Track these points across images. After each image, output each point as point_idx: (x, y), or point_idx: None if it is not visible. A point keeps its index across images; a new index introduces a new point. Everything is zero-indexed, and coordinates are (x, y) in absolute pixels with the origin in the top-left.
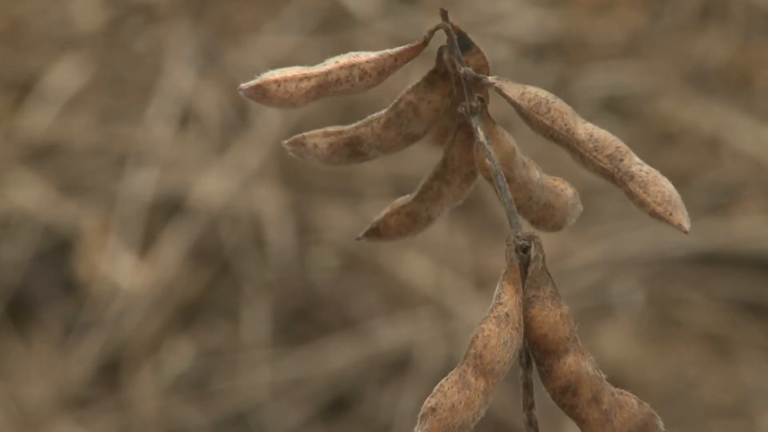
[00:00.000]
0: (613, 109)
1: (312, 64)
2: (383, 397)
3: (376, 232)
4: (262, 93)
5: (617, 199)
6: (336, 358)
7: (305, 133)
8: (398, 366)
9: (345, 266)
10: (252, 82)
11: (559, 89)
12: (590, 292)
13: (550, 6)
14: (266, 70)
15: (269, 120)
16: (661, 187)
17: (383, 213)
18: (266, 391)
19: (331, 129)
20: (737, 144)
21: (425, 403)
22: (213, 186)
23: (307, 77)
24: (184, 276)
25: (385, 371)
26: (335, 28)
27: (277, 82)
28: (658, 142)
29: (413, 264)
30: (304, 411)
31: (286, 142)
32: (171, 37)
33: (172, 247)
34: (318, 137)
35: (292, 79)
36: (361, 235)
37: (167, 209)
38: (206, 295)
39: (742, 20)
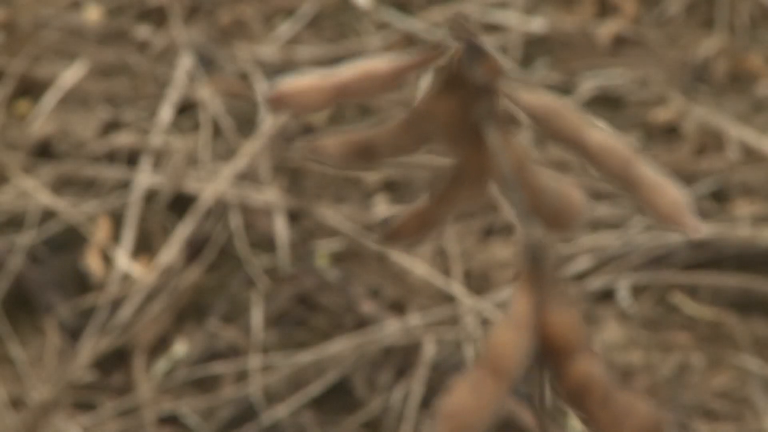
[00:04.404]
0: (611, 109)
1: (315, 61)
2: (386, 393)
3: (390, 235)
4: (279, 99)
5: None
6: (339, 354)
7: (320, 137)
8: (402, 362)
9: (347, 262)
10: (269, 89)
11: (555, 87)
12: (586, 288)
13: (547, 3)
14: (271, 71)
15: (272, 118)
16: (672, 193)
17: (397, 216)
18: (270, 388)
19: (345, 133)
20: (736, 143)
21: (438, 405)
22: (216, 184)
23: (323, 83)
24: (187, 274)
25: (389, 367)
26: (336, 23)
27: (294, 88)
28: (656, 141)
29: (417, 258)
30: (307, 406)
31: (301, 145)
32: (174, 35)
33: (175, 246)
34: (332, 140)
35: (309, 85)
36: (375, 238)
37: (170, 208)
38: (209, 293)
39: (742, 20)
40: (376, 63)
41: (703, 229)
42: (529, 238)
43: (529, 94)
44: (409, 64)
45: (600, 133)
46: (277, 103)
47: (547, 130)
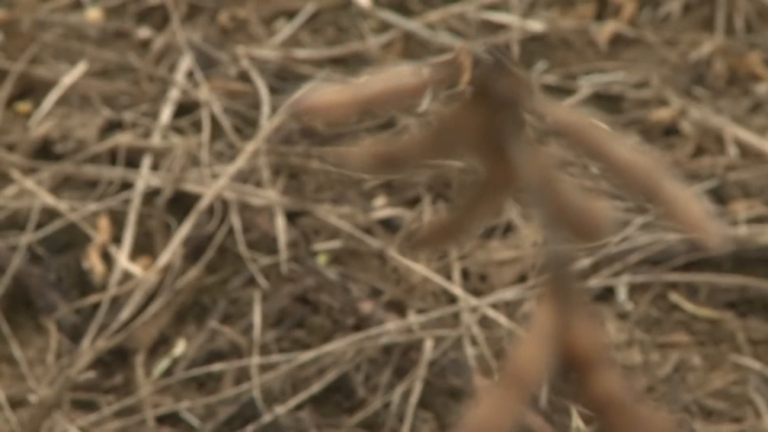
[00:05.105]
0: (610, 109)
1: (315, 62)
2: (386, 392)
3: (414, 243)
4: (305, 110)
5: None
6: (339, 353)
7: (348, 146)
8: (401, 361)
9: (347, 262)
10: (296, 100)
11: (554, 88)
12: (586, 289)
13: (546, 4)
14: (271, 71)
15: (273, 118)
16: (696, 205)
17: (421, 224)
18: (270, 388)
19: (372, 142)
20: (735, 143)
21: (460, 415)
22: (216, 185)
23: (351, 96)
24: (187, 274)
25: (389, 366)
26: (336, 23)
27: (319, 99)
28: (655, 141)
29: (417, 258)
30: (306, 406)
31: (329, 154)
32: (174, 35)
33: (175, 246)
34: (359, 150)
35: (337, 98)
36: (400, 245)
37: (170, 208)
38: (209, 293)
39: (741, 20)
40: (403, 76)
41: (724, 240)
42: (553, 251)
43: (554, 107)
44: (435, 77)
45: (624, 147)
46: (302, 110)
47: (572, 144)
